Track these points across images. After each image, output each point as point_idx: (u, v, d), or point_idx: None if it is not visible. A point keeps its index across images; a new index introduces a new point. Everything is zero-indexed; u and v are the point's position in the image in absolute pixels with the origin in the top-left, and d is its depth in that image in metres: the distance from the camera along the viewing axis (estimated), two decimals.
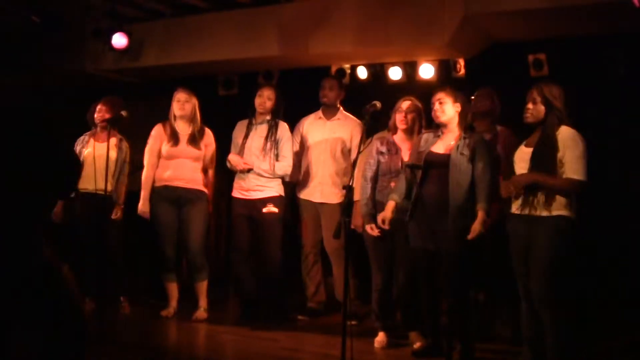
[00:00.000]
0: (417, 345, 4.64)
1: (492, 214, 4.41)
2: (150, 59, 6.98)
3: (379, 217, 4.59)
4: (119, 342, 4.72)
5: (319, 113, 5.91)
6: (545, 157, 3.93)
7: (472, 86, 5.38)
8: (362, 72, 6.76)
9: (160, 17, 6.96)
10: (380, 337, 4.87)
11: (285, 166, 5.54)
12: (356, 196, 4.87)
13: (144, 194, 5.63)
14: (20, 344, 2.75)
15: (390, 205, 4.56)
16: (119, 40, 6.71)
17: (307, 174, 5.82)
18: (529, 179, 3.96)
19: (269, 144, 5.50)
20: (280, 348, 4.82)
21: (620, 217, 5.64)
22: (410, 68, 6.56)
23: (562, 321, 3.89)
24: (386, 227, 4.53)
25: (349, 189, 3.92)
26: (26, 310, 2.65)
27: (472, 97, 5.10)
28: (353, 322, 4.97)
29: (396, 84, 6.57)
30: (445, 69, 6.44)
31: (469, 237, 4.19)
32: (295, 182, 5.89)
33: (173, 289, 5.72)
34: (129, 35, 6.74)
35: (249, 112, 5.65)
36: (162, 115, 5.76)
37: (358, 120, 5.67)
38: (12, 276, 2.59)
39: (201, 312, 5.60)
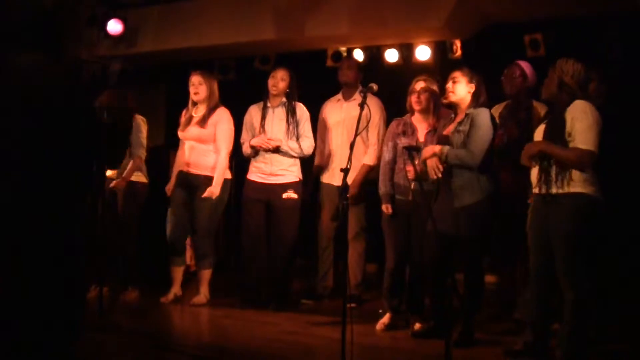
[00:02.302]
0: (417, 326, 4.67)
1: (503, 184, 4.54)
2: (145, 45, 6.96)
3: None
4: (120, 327, 4.73)
5: (339, 95, 5.91)
6: (555, 132, 3.90)
7: (469, 67, 5.35)
8: (358, 55, 6.75)
9: (155, 2, 6.93)
10: (385, 319, 4.88)
11: (309, 146, 5.54)
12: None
13: (173, 174, 5.75)
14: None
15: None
16: (114, 26, 6.70)
17: (328, 158, 5.83)
18: (537, 148, 3.94)
19: (290, 127, 5.47)
20: (281, 331, 4.84)
21: (613, 197, 5.63)
22: (406, 50, 6.55)
23: (582, 301, 3.82)
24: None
25: (345, 172, 3.91)
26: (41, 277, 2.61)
27: (502, 78, 5.07)
28: (352, 305, 5.00)
29: (393, 66, 6.56)
30: (441, 50, 6.43)
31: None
32: (321, 167, 5.89)
33: (177, 273, 5.71)
34: (124, 21, 6.72)
35: (262, 95, 5.61)
36: (156, 101, 5.74)
37: (376, 98, 5.50)
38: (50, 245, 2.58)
39: (200, 298, 5.60)
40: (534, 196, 4.08)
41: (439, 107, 4.83)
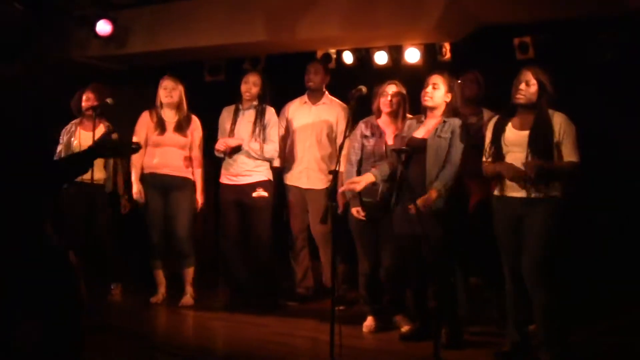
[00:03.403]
0: (404, 329, 4.68)
1: (476, 193, 4.58)
2: (136, 45, 6.92)
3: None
4: (108, 329, 4.72)
5: (304, 98, 5.90)
6: (543, 142, 3.97)
7: (458, 70, 5.38)
8: (347, 57, 6.74)
9: (146, 3, 6.91)
10: (369, 322, 4.90)
11: (272, 150, 5.54)
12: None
13: (135, 177, 5.65)
14: (19, 332, 2.73)
15: (368, 177, 4.55)
16: (103, 27, 6.66)
17: (293, 160, 5.82)
18: (536, 167, 3.93)
19: (257, 129, 5.49)
20: (270, 333, 4.85)
21: (606, 199, 5.68)
22: (396, 52, 6.55)
23: (554, 303, 3.92)
24: (357, 189, 4.54)
25: (335, 174, 3.92)
26: (32, 296, 2.63)
27: (459, 82, 5.10)
28: (341, 308, 5.00)
29: (382, 69, 6.56)
30: (431, 53, 6.43)
31: (418, 207, 4.17)
32: (282, 168, 5.88)
33: (161, 276, 5.74)
34: (114, 21, 6.69)
35: (235, 99, 5.64)
36: (148, 102, 5.73)
37: (344, 105, 5.63)
38: (23, 260, 2.57)
39: (187, 299, 5.63)
40: (500, 199, 4.11)
41: (406, 112, 4.86)
